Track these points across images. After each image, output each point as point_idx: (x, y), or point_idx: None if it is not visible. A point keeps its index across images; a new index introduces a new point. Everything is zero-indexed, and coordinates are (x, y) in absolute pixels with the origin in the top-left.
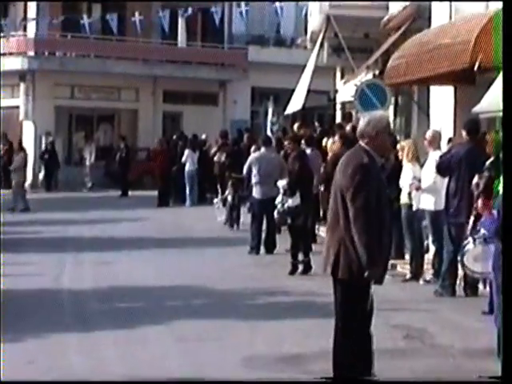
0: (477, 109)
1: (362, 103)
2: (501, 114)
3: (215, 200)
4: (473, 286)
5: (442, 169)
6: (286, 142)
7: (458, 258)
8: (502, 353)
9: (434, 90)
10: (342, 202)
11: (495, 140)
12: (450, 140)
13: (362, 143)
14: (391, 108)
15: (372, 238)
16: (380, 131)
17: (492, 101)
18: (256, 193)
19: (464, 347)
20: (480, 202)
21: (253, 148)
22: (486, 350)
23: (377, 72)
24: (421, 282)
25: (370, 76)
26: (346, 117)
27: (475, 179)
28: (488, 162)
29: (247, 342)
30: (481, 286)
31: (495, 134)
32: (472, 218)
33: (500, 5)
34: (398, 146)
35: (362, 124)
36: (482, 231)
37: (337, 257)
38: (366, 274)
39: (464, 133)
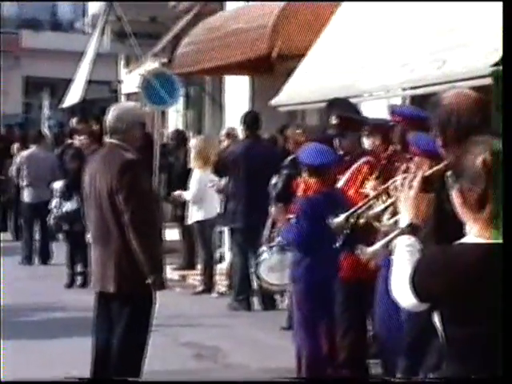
0: (275, 101)
1: (149, 95)
2: (302, 106)
3: None
4: (270, 299)
5: (218, 168)
6: (79, 138)
7: (253, 269)
8: (502, 353)
9: (229, 80)
10: (111, 207)
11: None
12: (228, 135)
13: (112, 140)
14: (181, 100)
15: (152, 241)
16: (131, 124)
17: (292, 93)
18: (26, 196)
19: (261, 367)
20: (275, 205)
21: (15, 146)
22: (285, 369)
23: (165, 60)
24: (214, 294)
25: (157, 65)
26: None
27: (273, 179)
28: (287, 160)
29: (17, 363)
30: (279, 298)
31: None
32: (268, 224)
33: None
34: (190, 144)
35: (110, 118)
36: (279, 239)
37: (117, 270)
38: (149, 280)
39: (242, 128)
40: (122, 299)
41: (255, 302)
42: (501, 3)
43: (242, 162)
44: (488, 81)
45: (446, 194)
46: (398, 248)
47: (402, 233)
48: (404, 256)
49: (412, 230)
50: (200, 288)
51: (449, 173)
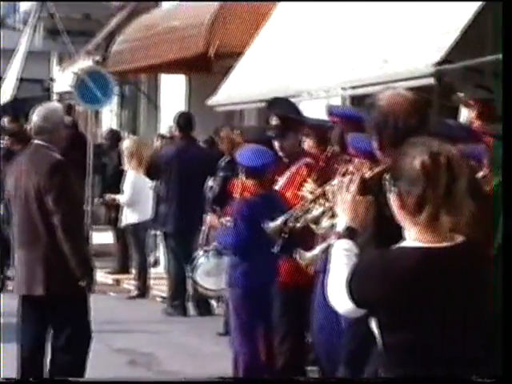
0: (212, 101)
1: (82, 94)
2: (240, 106)
3: None
4: (205, 304)
5: (150, 171)
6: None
7: (189, 273)
8: (502, 353)
9: (165, 78)
10: (39, 209)
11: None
12: (161, 137)
13: (38, 141)
14: (116, 100)
15: (82, 243)
16: (57, 124)
17: (229, 92)
18: None
19: (197, 373)
20: (211, 209)
21: None
22: (221, 376)
23: (99, 58)
24: (149, 299)
25: (90, 63)
26: (65, 109)
27: (209, 182)
28: (223, 162)
29: None
30: (215, 303)
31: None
32: (204, 228)
33: None
34: (123, 145)
35: (36, 118)
36: (215, 242)
37: (46, 272)
38: (82, 282)
39: (175, 129)
40: (53, 301)
41: (191, 307)
42: (435, 3)
43: (175, 164)
44: (430, 81)
45: (384, 198)
46: (335, 252)
47: (340, 236)
48: (341, 260)
49: (349, 233)
50: (134, 293)
51: (387, 176)
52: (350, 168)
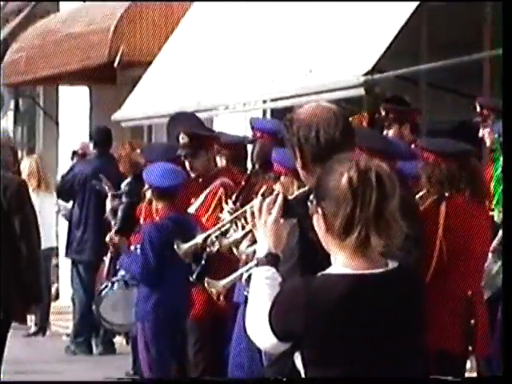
0: (117, 116)
1: None
2: (145, 122)
3: None
4: (109, 341)
5: (62, 192)
6: None
7: (93, 307)
8: (502, 353)
9: (64, 90)
10: None
11: None
12: (74, 154)
13: None
14: (10, 115)
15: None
16: None
17: (137, 105)
18: None
19: None
20: (115, 236)
21: None
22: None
23: None
24: (48, 335)
25: None
26: None
27: (109, 203)
28: (124, 185)
29: None
30: (122, 340)
31: None
32: (109, 255)
33: None
34: (22, 164)
35: None
36: (122, 272)
37: None
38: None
39: (91, 146)
40: None
41: (95, 344)
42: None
43: (88, 183)
44: (360, 91)
45: (310, 221)
46: (255, 280)
47: (260, 263)
48: (262, 290)
49: (271, 260)
50: (33, 329)
51: (311, 196)
52: (276, 187)
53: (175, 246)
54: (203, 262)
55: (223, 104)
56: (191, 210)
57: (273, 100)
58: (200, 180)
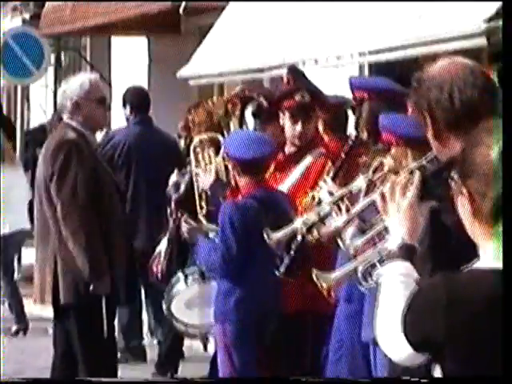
0: (184, 72)
1: (7, 64)
2: (220, 79)
3: None
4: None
5: None
6: None
7: (164, 305)
8: (502, 353)
9: (117, 42)
10: (49, 201)
11: None
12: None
13: (65, 120)
14: (50, 70)
15: (92, 238)
16: (82, 99)
17: (206, 60)
18: None
19: None
20: (176, 214)
21: None
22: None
23: (28, 16)
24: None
25: (18, 22)
26: None
27: (173, 176)
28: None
29: None
30: (200, 345)
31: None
32: (165, 241)
33: None
34: None
35: (58, 94)
36: (196, 263)
37: (55, 277)
38: (91, 288)
39: (128, 109)
40: (65, 311)
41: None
42: None
43: (133, 154)
44: (481, 41)
45: (445, 203)
46: (389, 278)
47: (392, 257)
48: (396, 289)
49: (405, 252)
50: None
51: (452, 172)
52: (386, 160)
53: (264, 234)
54: (292, 252)
55: (311, 57)
56: (283, 187)
57: (371, 53)
58: (292, 149)
